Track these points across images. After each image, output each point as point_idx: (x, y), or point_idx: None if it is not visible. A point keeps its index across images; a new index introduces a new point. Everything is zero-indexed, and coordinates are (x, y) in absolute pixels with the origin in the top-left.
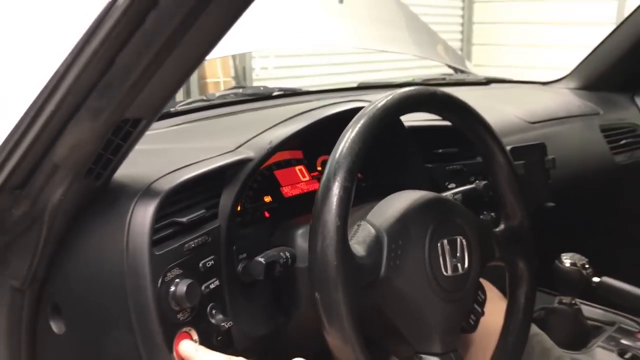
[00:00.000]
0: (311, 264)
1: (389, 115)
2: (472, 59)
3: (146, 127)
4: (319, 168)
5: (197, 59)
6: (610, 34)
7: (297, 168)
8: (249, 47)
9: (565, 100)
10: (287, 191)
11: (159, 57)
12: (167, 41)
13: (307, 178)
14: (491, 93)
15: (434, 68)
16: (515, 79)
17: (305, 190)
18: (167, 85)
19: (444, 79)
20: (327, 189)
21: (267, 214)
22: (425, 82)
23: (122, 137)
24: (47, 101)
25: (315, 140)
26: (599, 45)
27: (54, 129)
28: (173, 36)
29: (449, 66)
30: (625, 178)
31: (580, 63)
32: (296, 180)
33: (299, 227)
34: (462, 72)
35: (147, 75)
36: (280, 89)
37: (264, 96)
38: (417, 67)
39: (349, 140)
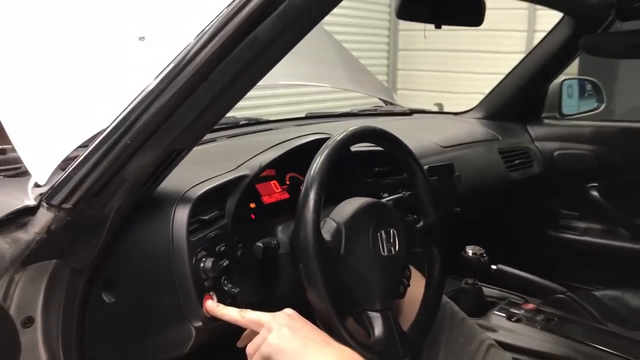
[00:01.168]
0: (296, 245)
1: (345, 145)
2: (397, 83)
3: (186, 154)
4: (288, 182)
5: (228, 109)
6: (510, 72)
7: (272, 182)
8: None
9: (471, 128)
10: (266, 199)
11: (204, 111)
12: (210, 101)
13: (280, 190)
14: (413, 122)
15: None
16: (436, 101)
17: (279, 199)
18: (205, 128)
19: (375, 110)
20: (306, 195)
21: (252, 216)
22: (361, 113)
23: (170, 161)
24: (122, 136)
25: (284, 161)
26: (500, 82)
27: (126, 156)
28: (215, 97)
29: (380, 99)
30: (519, 190)
31: (485, 97)
32: (272, 191)
33: (278, 224)
34: (391, 104)
35: (194, 123)
36: (245, 119)
37: (234, 125)
38: (353, 97)
39: (319, 163)
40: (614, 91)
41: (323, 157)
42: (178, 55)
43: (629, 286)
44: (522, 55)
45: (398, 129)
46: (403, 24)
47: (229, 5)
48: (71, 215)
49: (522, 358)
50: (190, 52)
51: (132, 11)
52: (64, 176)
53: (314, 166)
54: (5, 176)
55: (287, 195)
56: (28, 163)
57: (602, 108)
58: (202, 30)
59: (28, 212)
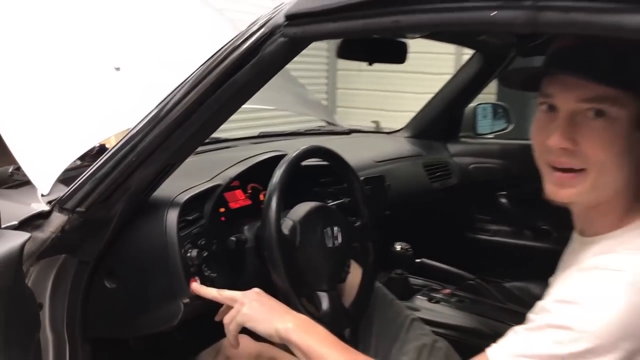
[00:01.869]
0: (262, 238)
1: (299, 161)
2: (337, 101)
3: (178, 166)
4: (250, 191)
5: (212, 132)
6: (433, 97)
7: (236, 191)
8: None
9: (400, 145)
10: (233, 205)
11: (194, 134)
12: (200, 126)
13: (243, 197)
14: (352, 140)
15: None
16: (373, 118)
17: (243, 205)
18: (194, 147)
19: (319, 129)
20: (270, 200)
21: (223, 218)
22: (306, 132)
23: (165, 172)
24: (129, 153)
25: (247, 174)
26: (424, 106)
27: (132, 170)
28: (203, 124)
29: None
30: (439, 198)
31: (412, 119)
32: (237, 199)
33: (245, 224)
34: (332, 124)
35: (186, 143)
36: (210, 138)
37: None
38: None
39: (279, 175)
40: (526, 113)
41: (282, 170)
42: (176, 91)
43: (532, 278)
44: (450, 76)
45: (339, 147)
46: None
47: (215, 54)
48: (83, 217)
49: (439, 330)
50: (185, 89)
51: (110, 43)
52: (76, 185)
53: (275, 177)
54: (13, 187)
55: (249, 202)
56: (32, 177)
57: (510, 128)
58: (193, 74)
59: (41, 216)
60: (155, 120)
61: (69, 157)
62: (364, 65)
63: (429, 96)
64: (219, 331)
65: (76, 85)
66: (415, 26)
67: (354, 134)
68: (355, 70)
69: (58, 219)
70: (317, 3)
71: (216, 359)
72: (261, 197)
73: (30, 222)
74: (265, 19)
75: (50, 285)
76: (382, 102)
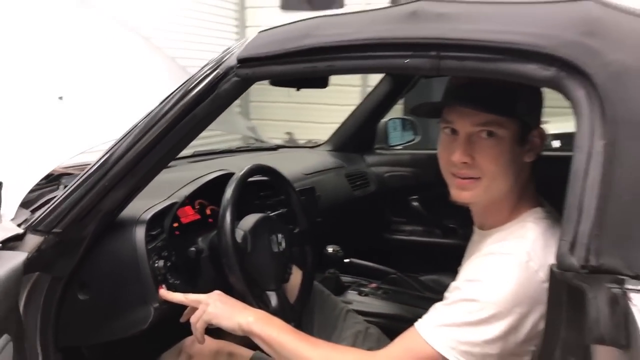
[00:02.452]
0: (219, 247)
1: (246, 178)
2: (250, 114)
3: (143, 189)
4: (197, 207)
5: (173, 159)
6: (349, 115)
7: (186, 207)
8: None
9: (324, 158)
10: (184, 220)
11: (159, 162)
12: (163, 154)
13: (192, 212)
14: (280, 156)
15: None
16: (286, 130)
17: (193, 219)
18: (158, 172)
19: (248, 146)
20: (224, 213)
21: (177, 232)
22: (237, 149)
23: (133, 194)
24: (102, 178)
25: (193, 191)
26: (342, 123)
27: (104, 193)
28: (167, 152)
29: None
30: (361, 204)
31: (332, 135)
32: (187, 214)
33: (198, 237)
34: (261, 141)
35: (151, 169)
36: None
37: None
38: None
39: (231, 193)
40: (429, 126)
41: (232, 187)
42: (141, 125)
43: (443, 270)
44: (359, 88)
45: (270, 162)
46: None
47: (175, 91)
48: (59, 237)
49: (369, 319)
50: (150, 121)
51: (53, 73)
52: (50, 208)
53: (227, 194)
54: None
55: (198, 216)
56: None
57: (417, 139)
58: (157, 107)
59: (17, 238)
60: (125, 148)
61: (28, 184)
62: None
63: (338, 107)
64: (180, 333)
65: (21, 114)
66: (347, 70)
67: (280, 150)
68: (267, 84)
69: (32, 240)
70: (263, 50)
71: (178, 359)
72: (208, 211)
73: (6, 244)
74: (218, 61)
75: (24, 300)
76: (296, 114)
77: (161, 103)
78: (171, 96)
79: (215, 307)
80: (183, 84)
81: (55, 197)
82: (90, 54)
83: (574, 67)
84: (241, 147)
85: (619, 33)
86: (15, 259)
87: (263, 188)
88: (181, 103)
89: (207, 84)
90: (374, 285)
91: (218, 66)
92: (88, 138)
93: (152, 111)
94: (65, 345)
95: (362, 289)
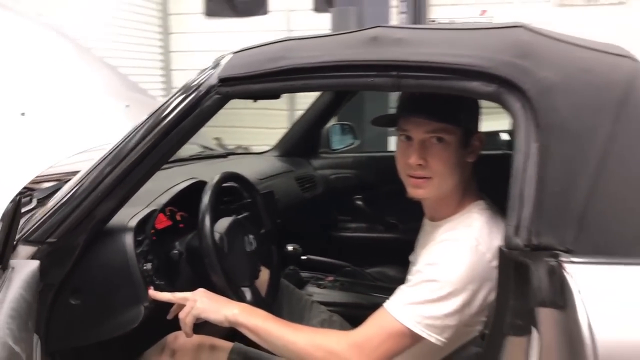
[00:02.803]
0: (201, 248)
1: (219, 185)
2: None
3: (131, 198)
4: (168, 213)
5: (158, 169)
6: (294, 123)
7: (159, 214)
8: None
9: (273, 164)
10: (158, 226)
11: (147, 173)
12: (150, 167)
13: (165, 219)
14: (232, 162)
15: None
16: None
17: (166, 225)
18: (144, 182)
19: (200, 154)
20: (204, 217)
21: (154, 237)
22: (190, 157)
23: (122, 203)
24: (95, 189)
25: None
26: (288, 130)
27: (97, 203)
28: (153, 164)
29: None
30: (311, 205)
31: (279, 141)
32: (160, 220)
33: (175, 240)
34: (210, 149)
35: (139, 180)
36: None
37: None
38: None
39: (207, 199)
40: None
41: (208, 194)
42: (131, 138)
43: (387, 263)
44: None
45: (225, 168)
46: (176, 64)
47: (160, 108)
48: (52, 247)
49: (330, 308)
50: (140, 136)
51: (15, 89)
52: (41, 220)
53: (204, 201)
54: None
55: (170, 222)
56: None
57: (357, 143)
58: (144, 123)
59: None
60: (115, 162)
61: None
62: None
63: (262, 111)
64: (161, 331)
65: None
66: (320, 87)
67: (230, 157)
68: None
69: (25, 251)
70: (243, 70)
71: (162, 355)
72: (178, 217)
73: None
74: (201, 81)
75: None
76: (223, 120)
77: (148, 118)
78: (157, 112)
79: (202, 302)
80: (166, 102)
81: (33, 209)
82: (52, 71)
83: (511, 83)
84: (193, 156)
85: (546, 54)
86: (31, 265)
87: (225, 194)
88: (169, 118)
89: (191, 100)
90: (330, 278)
91: (201, 85)
92: (51, 152)
93: (139, 126)
94: (54, 349)
95: (320, 282)
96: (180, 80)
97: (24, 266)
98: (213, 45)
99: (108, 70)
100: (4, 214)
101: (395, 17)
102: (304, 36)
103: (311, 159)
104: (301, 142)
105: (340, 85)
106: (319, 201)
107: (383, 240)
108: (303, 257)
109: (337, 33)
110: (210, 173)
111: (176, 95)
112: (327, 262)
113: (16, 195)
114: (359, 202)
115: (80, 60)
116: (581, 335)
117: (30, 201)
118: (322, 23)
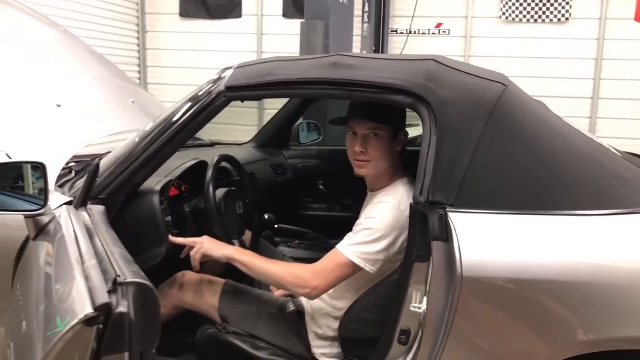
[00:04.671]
0: (206, 207)
1: (219, 164)
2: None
3: (158, 169)
4: (176, 185)
5: (178, 149)
6: (270, 119)
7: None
8: None
9: (252, 153)
10: (170, 194)
11: (170, 152)
12: (174, 147)
13: (174, 189)
14: (218, 151)
15: None
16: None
17: (175, 193)
18: (167, 158)
19: (192, 143)
20: (208, 186)
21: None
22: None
23: (152, 173)
24: (133, 162)
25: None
26: (266, 124)
27: (134, 173)
28: (174, 147)
29: None
30: (282, 188)
31: (256, 134)
32: (172, 190)
33: (183, 204)
34: (200, 139)
35: (165, 157)
36: None
37: None
38: None
39: (210, 174)
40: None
41: (211, 170)
42: (159, 127)
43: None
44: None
45: (215, 155)
46: (151, 62)
47: (180, 107)
48: (102, 202)
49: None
50: (165, 126)
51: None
52: (101, 179)
53: (209, 175)
54: None
55: (177, 192)
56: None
57: (321, 139)
58: (168, 118)
59: (69, 203)
60: (149, 142)
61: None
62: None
63: (234, 108)
64: (174, 271)
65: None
66: (299, 96)
67: (217, 146)
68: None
69: None
70: (243, 81)
71: (173, 287)
72: (182, 188)
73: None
74: (211, 88)
75: None
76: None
77: (172, 114)
78: (178, 109)
79: (207, 244)
80: (185, 103)
81: (73, 179)
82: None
83: (422, 98)
84: (187, 144)
85: (445, 79)
86: (100, 208)
87: (220, 172)
88: (187, 115)
89: (203, 102)
90: (297, 242)
91: (212, 91)
92: (84, 139)
93: (164, 119)
94: None
95: (290, 244)
96: (154, 77)
97: (96, 208)
98: (187, 44)
99: (112, 66)
100: (88, 173)
101: (359, 26)
102: (287, 58)
103: (283, 150)
104: (275, 136)
105: (310, 94)
106: (289, 185)
107: (339, 218)
108: (276, 226)
109: (309, 57)
110: (203, 158)
111: (193, 98)
112: (294, 230)
113: (92, 160)
114: (321, 187)
115: (92, 58)
116: (455, 257)
117: (70, 172)
118: (291, 28)
